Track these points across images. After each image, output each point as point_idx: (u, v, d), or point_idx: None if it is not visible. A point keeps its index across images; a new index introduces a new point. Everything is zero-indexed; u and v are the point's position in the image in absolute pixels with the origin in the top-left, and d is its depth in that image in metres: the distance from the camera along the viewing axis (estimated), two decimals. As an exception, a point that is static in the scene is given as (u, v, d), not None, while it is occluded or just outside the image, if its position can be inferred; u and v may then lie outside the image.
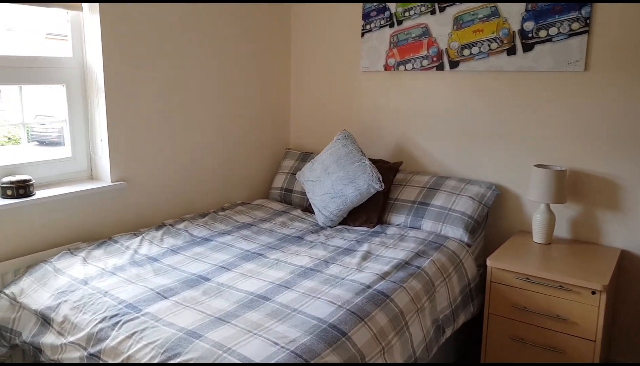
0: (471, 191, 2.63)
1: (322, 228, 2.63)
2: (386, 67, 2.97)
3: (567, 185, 2.54)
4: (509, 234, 2.77)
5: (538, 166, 2.52)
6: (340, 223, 2.69)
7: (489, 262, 2.31)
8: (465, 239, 2.50)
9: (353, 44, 3.11)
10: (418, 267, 2.13)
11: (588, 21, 2.37)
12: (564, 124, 2.54)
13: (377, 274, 2.01)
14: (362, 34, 3.02)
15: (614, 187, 2.47)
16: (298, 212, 2.88)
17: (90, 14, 2.33)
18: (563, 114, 2.54)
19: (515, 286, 2.26)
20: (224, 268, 2.07)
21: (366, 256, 2.21)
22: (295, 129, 3.48)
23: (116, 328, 1.64)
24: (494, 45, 2.62)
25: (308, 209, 2.89)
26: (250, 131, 3.18)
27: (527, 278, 2.23)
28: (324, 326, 1.61)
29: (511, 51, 2.58)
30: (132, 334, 1.60)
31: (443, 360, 2.43)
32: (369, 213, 2.65)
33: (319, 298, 1.80)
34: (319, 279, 1.96)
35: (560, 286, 2.16)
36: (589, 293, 2.11)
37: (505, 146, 2.71)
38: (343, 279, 1.97)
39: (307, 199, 2.95)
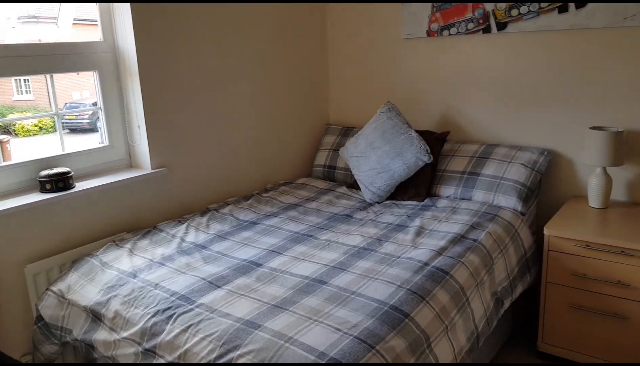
0: (523, 157, 2.55)
1: (370, 205, 2.59)
2: (429, 33, 2.85)
3: (624, 147, 2.43)
4: (562, 201, 2.68)
5: (593, 128, 2.41)
6: (388, 198, 2.64)
7: (546, 231, 2.25)
8: (519, 208, 2.43)
9: (393, 10, 2.99)
10: (474, 240, 2.09)
11: (647, -31, 2.21)
12: (620, 83, 2.40)
13: (433, 250, 1.97)
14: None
15: (678, 145, 2.34)
16: (343, 189, 2.85)
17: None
18: (619, 72, 2.40)
19: (573, 254, 2.20)
20: (275, 252, 2.03)
21: (420, 232, 2.17)
22: (335, 104, 3.42)
23: (170, 322, 1.61)
24: (544, 3, 2.47)
25: (353, 185, 2.86)
26: (289, 108, 3.14)
27: (586, 245, 2.16)
28: (386, 308, 1.58)
29: (563, 9, 2.43)
30: (188, 327, 1.57)
31: (501, 332, 2.40)
32: (417, 187, 2.60)
33: (376, 279, 1.77)
34: (375, 258, 1.94)
35: (621, 251, 2.08)
36: (653, 257, 2.03)
37: (557, 109, 2.59)
38: (399, 257, 1.94)
39: (352, 175, 2.91)
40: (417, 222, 2.28)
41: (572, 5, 2.41)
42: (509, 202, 2.44)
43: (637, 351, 2.13)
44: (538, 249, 2.54)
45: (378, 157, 2.60)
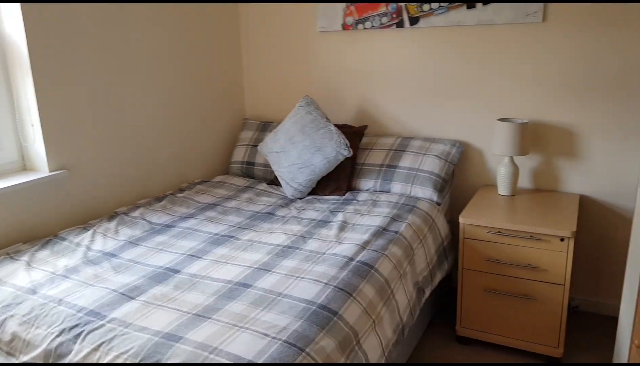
0: (436, 149, 2.62)
1: (292, 201, 2.54)
2: (344, 27, 2.84)
3: (529, 137, 2.58)
4: (474, 190, 2.80)
5: (501, 119, 2.53)
6: (310, 194, 2.61)
7: (461, 219, 2.33)
8: (435, 198, 2.50)
9: (308, 3, 2.95)
10: (396, 232, 2.11)
11: (545, -31, 2.35)
12: (524, 76, 2.55)
13: (357, 244, 1.97)
14: (316, -8, 2.87)
15: (571, 136, 2.52)
16: (263, 186, 2.77)
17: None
18: (523, 66, 2.54)
19: (487, 240, 2.30)
20: (194, 256, 1.93)
21: (343, 227, 2.16)
22: (251, 98, 3.32)
23: (79, 341, 1.47)
24: (453, -2, 2.55)
25: (274, 182, 2.79)
26: (202, 103, 3.00)
27: (499, 232, 2.26)
28: (314, 307, 1.55)
29: (471, 5, 2.52)
30: (100, 345, 1.44)
31: (423, 320, 2.47)
32: (338, 181, 2.59)
33: (303, 277, 1.73)
34: (300, 257, 1.90)
35: (530, 236, 2.21)
36: (557, 240, 2.17)
37: (468, 102, 2.70)
38: (324, 254, 1.91)
39: (272, 171, 2.85)
40: (339, 217, 2.27)
41: (479, 2, 2.50)
42: (425, 193, 2.50)
43: (545, 329, 2.27)
44: (454, 237, 2.64)
45: (298, 152, 2.56)
